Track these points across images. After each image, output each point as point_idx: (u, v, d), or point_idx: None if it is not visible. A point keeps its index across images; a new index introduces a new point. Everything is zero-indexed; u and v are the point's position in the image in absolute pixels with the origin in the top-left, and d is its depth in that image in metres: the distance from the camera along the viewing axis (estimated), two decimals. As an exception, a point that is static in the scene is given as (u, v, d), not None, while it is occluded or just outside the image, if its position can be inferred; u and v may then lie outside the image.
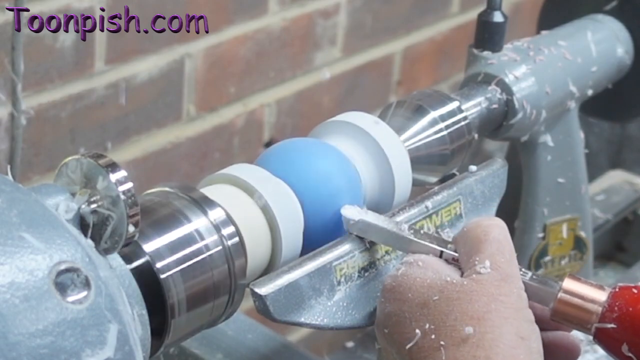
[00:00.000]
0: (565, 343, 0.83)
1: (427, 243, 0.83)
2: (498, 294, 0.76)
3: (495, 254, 0.79)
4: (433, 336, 0.76)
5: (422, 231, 0.86)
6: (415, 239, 0.84)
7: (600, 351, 1.29)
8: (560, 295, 0.79)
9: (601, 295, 0.78)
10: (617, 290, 0.78)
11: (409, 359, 0.77)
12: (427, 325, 0.76)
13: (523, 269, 0.80)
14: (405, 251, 0.85)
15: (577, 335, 0.83)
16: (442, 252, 0.82)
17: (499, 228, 0.81)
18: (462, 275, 0.79)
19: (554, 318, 0.80)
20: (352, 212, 0.88)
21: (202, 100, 1.46)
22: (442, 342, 0.75)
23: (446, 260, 0.82)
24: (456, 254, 0.82)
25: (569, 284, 0.79)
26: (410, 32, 1.76)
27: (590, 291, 0.79)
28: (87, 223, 0.72)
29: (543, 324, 0.79)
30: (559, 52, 1.20)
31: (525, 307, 0.77)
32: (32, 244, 0.65)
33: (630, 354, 0.76)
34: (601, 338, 0.78)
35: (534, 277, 0.80)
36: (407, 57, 1.77)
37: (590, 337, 0.79)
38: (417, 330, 0.77)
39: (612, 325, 0.77)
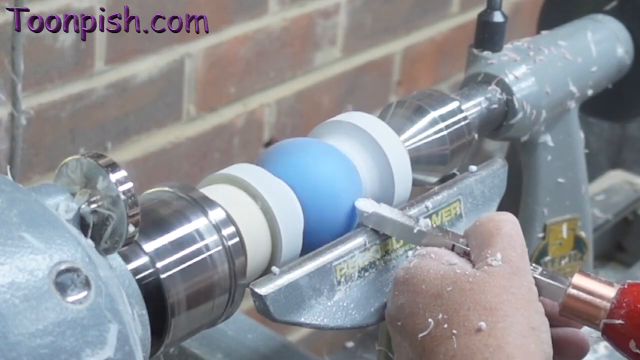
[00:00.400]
0: (575, 339, 0.84)
1: (440, 236, 0.84)
2: (509, 286, 0.78)
3: (507, 247, 0.80)
4: (446, 325, 0.77)
5: (434, 225, 0.86)
6: (429, 232, 0.85)
7: (601, 351, 1.30)
8: (570, 290, 0.80)
9: (610, 292, 0.79)
10: (625, 287, 0.79)
11: (422, 349, 0.78)
12: (441, 315, 0.77)
13: (533, 264, 0.82)
14: (418, 244, 0.86)
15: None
16: (454, 245, 0.83)
17: (511, 223, 0.82)
18: (473, 268, 0.80)
19: (563, 313, 0.81)
20: (366, 205, 0.89)
21: (202, 100, 1.46)
22: (454, 331, 0.76)
23: (457, 254, 0.83)
24: (468, 248, 0.83)
25: (578, 279, 0.80)
26: (410, 32, 1.76)
27: (599, 287, 0.80)
28: (87, 223, 0.72)
29: (553, 321, 0.80)
30: (559, 52, 1.20)
31: (535, 300, 0.79)
32: (32, 244, 0.65)
33: (637, 350, 0.77)
34: (609, 334, 0.79)
35: (544, 272, 0.82)
36: (407, 57, 1.77)
37: (594, 334, 0.79)
38: (430, 320, 0.78)
39: (620, 322, 0.78)
